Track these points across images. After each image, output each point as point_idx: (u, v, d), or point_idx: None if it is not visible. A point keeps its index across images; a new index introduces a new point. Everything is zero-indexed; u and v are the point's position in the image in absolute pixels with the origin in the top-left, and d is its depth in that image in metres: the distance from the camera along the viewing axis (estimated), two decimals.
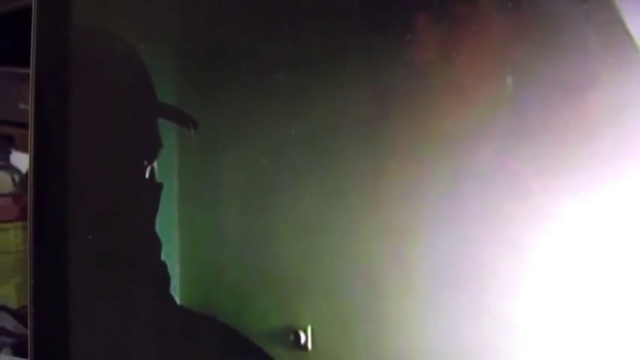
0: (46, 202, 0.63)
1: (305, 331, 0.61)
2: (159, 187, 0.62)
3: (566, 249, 0.56)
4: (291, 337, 0.61)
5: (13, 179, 1.11)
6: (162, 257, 0.62)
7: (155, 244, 0.62)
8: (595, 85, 0.57)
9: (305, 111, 0.63)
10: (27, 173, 0.62)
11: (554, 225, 0.56)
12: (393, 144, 0.61)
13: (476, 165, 0.58)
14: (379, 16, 0.62)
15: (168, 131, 0.64)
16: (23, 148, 1.10)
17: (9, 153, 1.13)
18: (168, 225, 0.64)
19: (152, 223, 0.62)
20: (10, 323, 1.01)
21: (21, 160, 1.12)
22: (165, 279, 0.62)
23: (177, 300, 0.63)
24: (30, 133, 0.63)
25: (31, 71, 0.64)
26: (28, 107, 0.63)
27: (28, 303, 0.62)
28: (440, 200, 0.59)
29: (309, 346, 0.61)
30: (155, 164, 0.63)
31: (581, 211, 0.56)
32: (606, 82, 0.57)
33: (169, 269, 0.62)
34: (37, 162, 0.63)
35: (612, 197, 0.55)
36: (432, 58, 0.61)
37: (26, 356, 0.62)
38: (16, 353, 0.99)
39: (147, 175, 0.62)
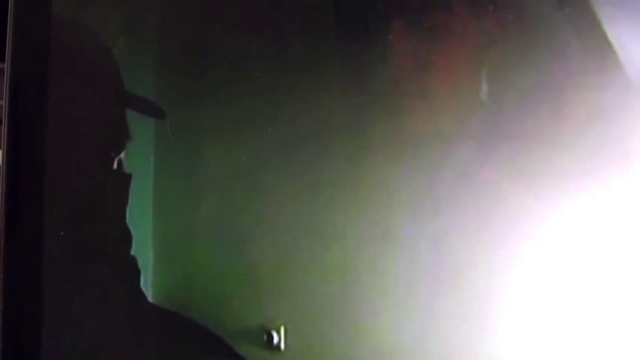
0: (19, 197, 0.62)
1: (278, 332, 0.61)
2: (128, 178, 0.62)
3: (543, 252, 0.56)
4: (264, 337, 0.61)
5: None
6: (133, 251, 0.62)
7: (126, 237, 0.61)
8: (574, 90, 0.57)
9: (282, 110, 0.62)
10: None
11: (531, 228, 0.56)
12: (371, 146, 0.61)
13: (454, 168, 0.58)
14: (358, 19, 0.62)
15: (145, 125, 0.63)
16: None
17: None
18: (143, 220, 0.63)
19: (123, 216, 0.62)
20: None
21: None
22: (136, 273, 0.61)
23: (151, 296, 0.62)
24: (3, 129, 0.62)
25: (6, 66, 0.63)
26: (2, 102, 0.63)
27: None
28: (417, 202, 0.59)
29: (282, 346, 0.61)
30: (123, 155, 0.62)
31: (559, 214, 0.56)
32: (586, 87, 0.57)
33: (139, 263, 0.62)
34: (9, 157, 0.62)
35: (590, 200, 0.56)
36: (412, 61, 0.61)
37: None
38: None
39: (115, 167, 0.62)
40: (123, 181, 0.62)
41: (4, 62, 0.63)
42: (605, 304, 0.55)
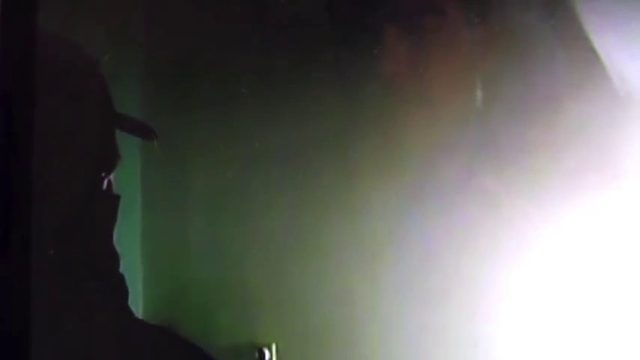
0: (8, 215, 0.61)
1: (269, 348, 0.60)
2: (116, 199, 0.61)
3: (534, 263, 0.56)
4: (256, 354, 0.61)
5: None
6: (121, 270, 0.61)
7: (113, 256, 0.61)
8: (561, 101, 0.57)
9: (269, 125, 0.62)
10: None
11: (522, 239, 0.56)
12: (361, 158, 0.60)
13: (444, 179, 0.58)
14: (348, 30, 0.62)
15: (131, 143, 0.63)
16: None
17: None
18: (131, 237, 0.63)
19: (110, 236, 0.61)
20: None
21: None
22: (124, 291, 0.61)
23: (141, 313, 0.62)
24: None
25: None
26: None
27: None
28: (408, 213, 0.58)
29: None
30: (112, 176, 0.62)
31: (549, 225, 0.56)
32: (573, 97, 0.57)
33: (128, 282, 0.61)
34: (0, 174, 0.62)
35: (579, 210, 0.56)
36: (401, 73, 0.61)
37: None
38: None
39: (104, 187, 0.61)
40: (112, 201, 0.61)
41: None
42: (596, 313, 0.55)
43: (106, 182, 0.61)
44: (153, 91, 0.65)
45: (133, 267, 0.62)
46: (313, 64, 0.62)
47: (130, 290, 0.62)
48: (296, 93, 0.62)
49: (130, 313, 0.61)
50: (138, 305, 0.62)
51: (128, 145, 0.63)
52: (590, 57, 0.57)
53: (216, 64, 0.64)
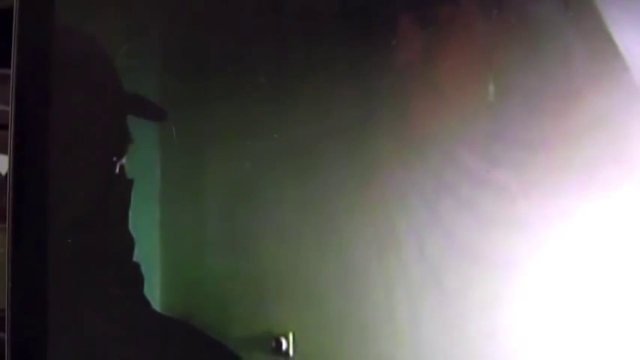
0: (26, 204, 0.62)
1: (286, 338, 0.61)
2: (129, 183, 0.62)
3: (551, 257, 0.56)
4: (273, 344, 0.61)
5: None
6: (135, 257, 0.61)
7: (128, 243, 0.61)
8: (580, 94, 0.57)
9: (288, 115, 0.62)
10: (6, 175, 0.62)
11: (539, 233, 0.56)
12: (376, 150, 0.60)
13: (460, 172, 0.58)
14: (364, 21, 0.62)
15: (149, 132, 0.63)
16: (2, 150, 1.08)
17: None
18: (148, 225, 0.63)
19: (125, 221, 0.61)
20: None
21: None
22: (139, 280, 0.61)
23: (158, 303, 0.62)
24: (10, 135, 0.63)
25: (11, 72, 0.63)
26: (7, 108, 0.63)
27: (6, 307, 0.61)
28: (423, 207, 0.59)
29: (291, 352, 0.61)
30: (124, 160, 0.62)
31: (566, 219, 0.56)
32: (591, 90, 0.57)
33: (143, 269, 0.62)
34: (16, 164, 0.62)
35: (596, 205, 0.55)
36: (417, 65, 0.61)
37: None
38: None
39: (117, 171, 0.62)
40: (125, 185, 0.62)
41: (10, 69, 0.64)
42: (614, 307, 0.55)
43: (118, 166, 0.61)
44: (170, 83, 0.66)
45: (149, 256, 0.63)
46: (327, 56, 0.62)
47: (146, 279, 0.62)
48: (312, 85, 0.62)
49: (145, 302, 0.62)
50: (154, 295, 0.63)
51: (146, 135, 0.63)
52: (609, 49, 0.57)
53: (232, 57, 0.64)
